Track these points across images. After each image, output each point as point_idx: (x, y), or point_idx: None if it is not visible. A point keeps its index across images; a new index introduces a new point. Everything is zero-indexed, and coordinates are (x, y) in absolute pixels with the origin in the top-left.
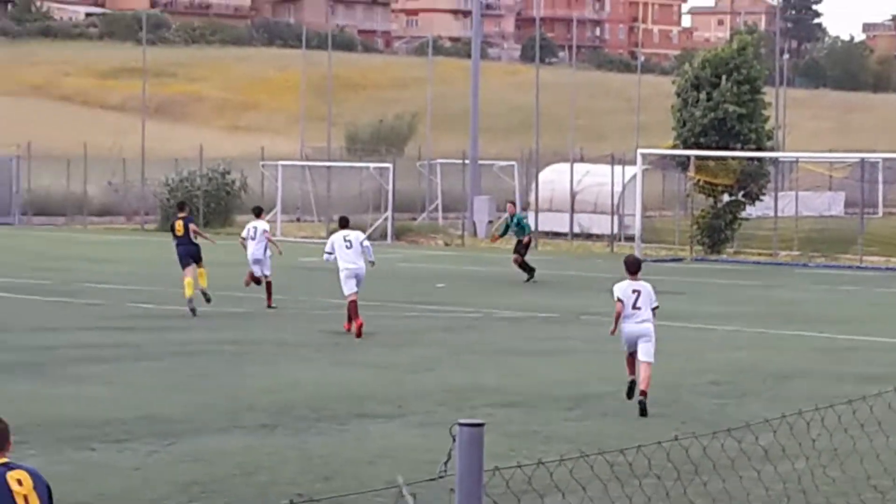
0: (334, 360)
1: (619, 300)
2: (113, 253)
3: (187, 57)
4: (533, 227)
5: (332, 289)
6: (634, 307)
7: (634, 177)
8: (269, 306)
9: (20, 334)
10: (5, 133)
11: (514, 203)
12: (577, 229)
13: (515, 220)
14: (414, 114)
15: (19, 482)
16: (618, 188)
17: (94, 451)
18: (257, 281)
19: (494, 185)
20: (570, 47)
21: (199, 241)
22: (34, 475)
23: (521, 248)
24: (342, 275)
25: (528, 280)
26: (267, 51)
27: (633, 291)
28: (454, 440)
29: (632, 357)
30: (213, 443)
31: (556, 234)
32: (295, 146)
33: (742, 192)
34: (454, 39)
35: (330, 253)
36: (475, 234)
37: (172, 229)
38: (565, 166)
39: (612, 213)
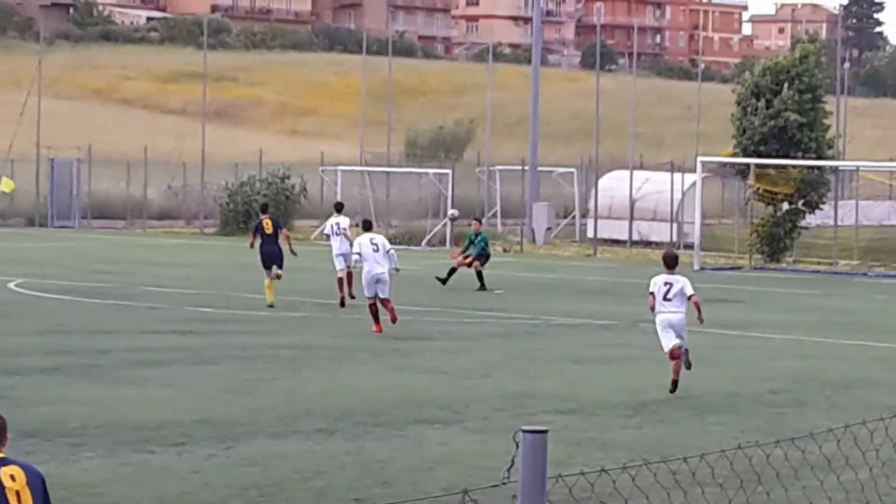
0: (392, 365)
1: (651, 293)
2: (172, 257)
3: (247, 61)
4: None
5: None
6: (665, 298)
7: (694, 184)
8: (351, 296)
9: (79, 337)
10: (66, 136)
11: (479, 221)
12: (636, 237)
13: (480, 238)
14: (472, 119)
15: (12, 478)
16: (677, 196)
17: (152, 453)
18: (352, 295)
19: (554, 192)
20: (630, 54)
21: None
22: (28, 470)
23: (482, 259)
24: (365, 279)
25: (479, 289)
26: (327, 56)
27: (665, 284)
28: (517, 447)
29: (672, 357)
30: (270, 447)
31: (615, 242)
32: (354, 151)
33: (802, 201)
34: (514, 46)
35: (359, 254)
36: (534, 240)
37: (260, 229)
38: (625, 173)
39: (672, 221)
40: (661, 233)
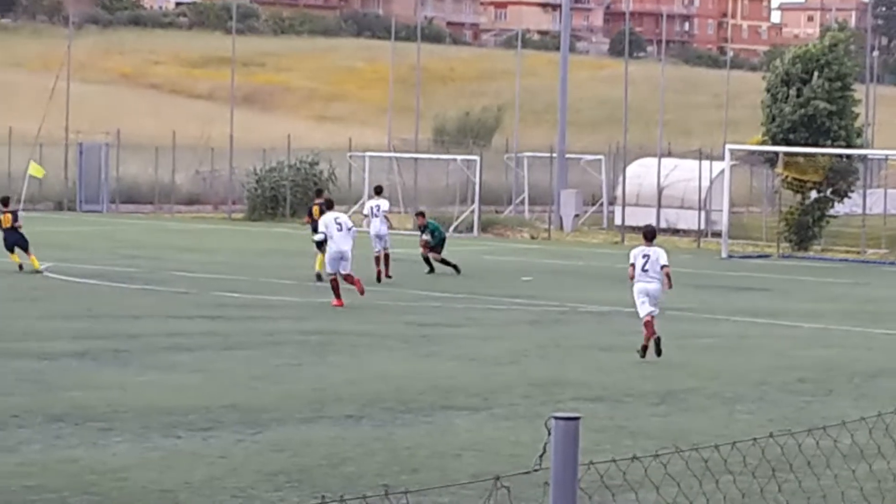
0: (420, 352)
1: (632, 265)
2: (200, 242)
3: (276, 47)
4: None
5: (418, 280)
6: (643, 269)
7: (722, 172)
8: (388, 276)
9: (108, 321)
10: (95, 121)
11: (422, 214)
12: (663, 224)
13: (432, 228)
14: (500, 106)
15: None
16: (705, 184)
17: (180, 438)
18: (388, 275)
19: (581, 179)
20: (659, 42)
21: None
22: None
23: (438, 247)
24: (329, 254)
25: (428, 272)
26: (355, 42)
27: (644, 256)
28: (549, 433)
29: (647, 325)
30: (299, 433)
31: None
32: (382, 137)
33: (830, 189)
34: (542, 33)
35: (323, 233)
36: (561, 227)
37: (311, 213)
38: (653, 161)
39: (699, 209)
40: (689, 220)
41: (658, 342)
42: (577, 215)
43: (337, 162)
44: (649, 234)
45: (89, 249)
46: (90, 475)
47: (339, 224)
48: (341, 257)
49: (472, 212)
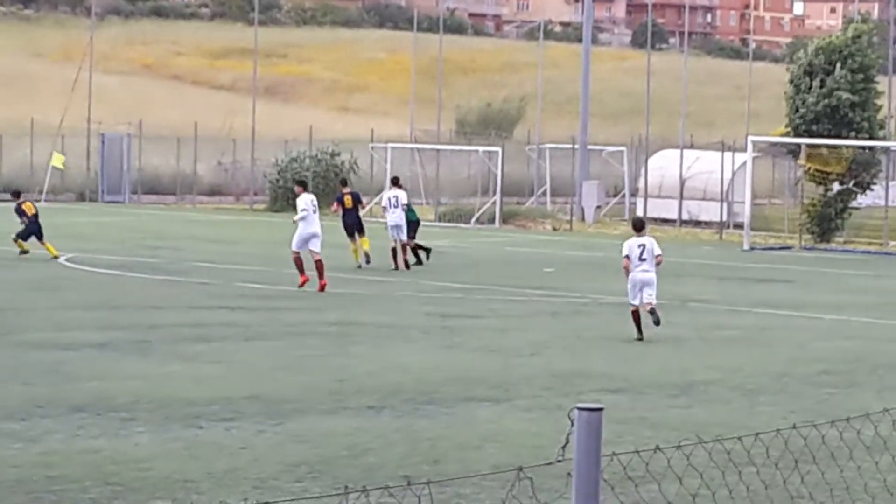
0: (441, 343)
1: (627, 256)
2: (221, 233)
3: (298, 38)
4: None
5: (439, 271)
6: (640, 259)
7: (744, 164)
8: (406, 266)
9: (130, 312)
10: (117, 112)
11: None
12: (685, 216)
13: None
14: (522, 97)
15: None
16: (727, 175)
17: (202, 429)
18: (405, 265)
19: (603, 171)
20: (682, 33)
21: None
22: None
23: (412, 232)
24: (303, 235)
25: (415, 263)
26: (377, 33)
27: (639, 246)
28: (572, 424)
29: (636, 315)
30: (320, 424)
31: (665, 221)
32: (404, 128)
33: (853, 181)
34: (565, 24)
35: (305, 210)
36: (583, 219)
37: (341, 202)
38: (675, 153)
39: (721, 201)
40: (711, 212)
41: (654, 311)
42: (598, 207)
43: (358, 153)
44: (639, 225)
45: (111, 240)
46: (112, 465)
47: (315, 206)
48: (312, 236)
49: (494, 203)
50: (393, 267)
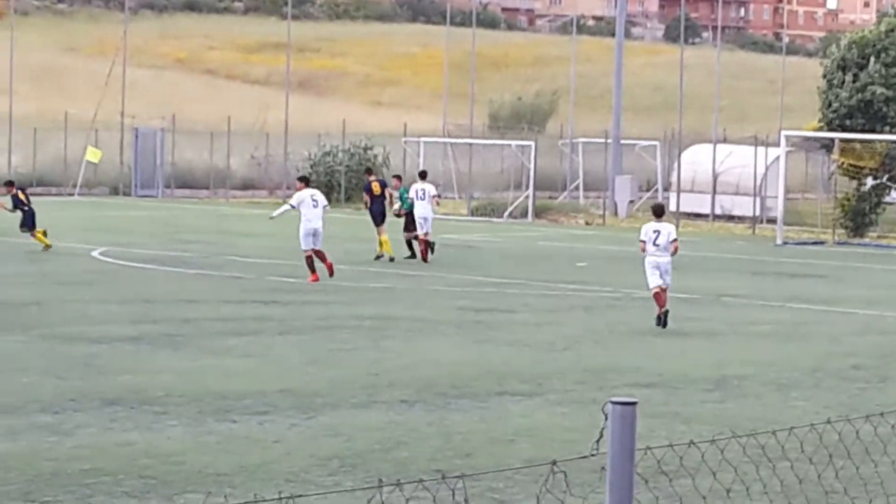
0: (473, 337)
1: (642, 241)
2: (254, 226)
3: (331, 32)
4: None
5: (472, 266)
6: (655, 244)
7: (777, 158)
8: (425, 260)
9: (163, 306)
10: (150, 106)
11: (399, 178)
12: (718, 211)
13: (402, 194)
14: (554, 91)
15: None
16: (760, 170)
17: (235, 423)
18: (430, 249)
19: (636, 165)
20: (714, 28)
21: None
22: None
23: (410, 225)
24: (303, 230)
25: (409, 256)
26: (410, 27)
27: (654, 231)
28: (606, 418)
29: (657, 296)
30: (352, 417)
31: (698, 216)
32: (437, 123)
33: (887, 176)
34: (597, 18)
35: (294, 206)
36: (616, 213)
37: (369, 190)
38: (708, 147)
39: (755, 195)
40: (744, 207)
41: (665, 315)
42: (631, 201)
43: (391, 147)
44: (659, 211)
45: (144, 234)
46: (145, 458)
47: (315, 201)
48: (314, 233)
49: (527, 197)
50: (421, 259)
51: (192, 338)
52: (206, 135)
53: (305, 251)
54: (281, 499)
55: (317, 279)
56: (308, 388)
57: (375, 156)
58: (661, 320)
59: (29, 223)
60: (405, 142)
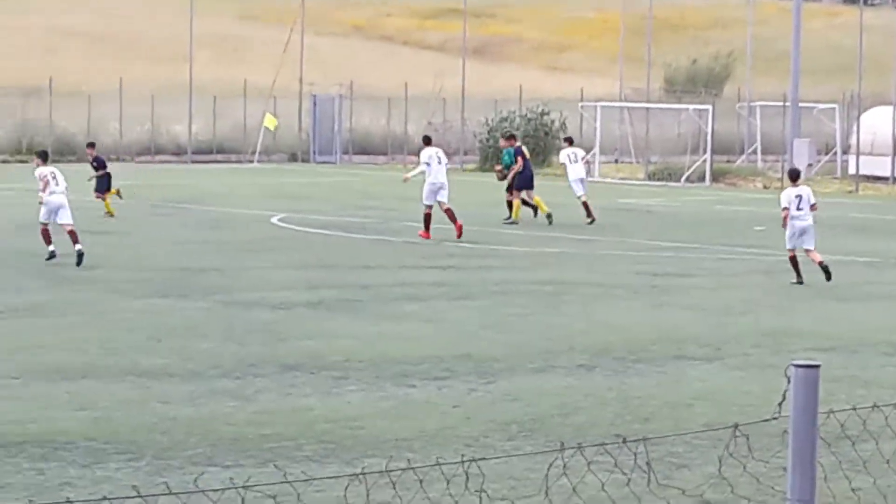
0: (650, 302)
1: (786, 207)
2: None
3: None
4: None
5: (649, 230)
6: (798, 208)
7: None
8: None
9: (342, 271)
10: (328, 73)
11: (514, 137)
12: None
13: (506, 152)
14: (730, 53)
15: None
16: None
17: (413, 387)
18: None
19: (815, 128)
20: None
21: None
22: None
23: (511, 186)
24: (428, 187)
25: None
26: None
27: (796, 196)
28: (789, 382)
29: (793, 260)
30: (530, 382)
31: (878, 178)
32: (613, 87)
33: None
34: None
35: (428, 164)
36: None
37: (521, 154)
38: (888, 110)
39: None
40: None
41: (826, 269)
42: (810, 164)
43: (568, 112)
44: (795, 175)
45: (322, 200)
46: (324, 423)
47: (440, 158)
48: (441, 188)
49: (704, 161)
50: (588, 220)
51: (371, 303)
52: (384, 101)
53: (427, 206)
54: (463, 461)
55: (428, 237)
56: (486, 353)
57: (552, 121)
58: (827, 277)
59: (104, 186)
60: (581, 106)
